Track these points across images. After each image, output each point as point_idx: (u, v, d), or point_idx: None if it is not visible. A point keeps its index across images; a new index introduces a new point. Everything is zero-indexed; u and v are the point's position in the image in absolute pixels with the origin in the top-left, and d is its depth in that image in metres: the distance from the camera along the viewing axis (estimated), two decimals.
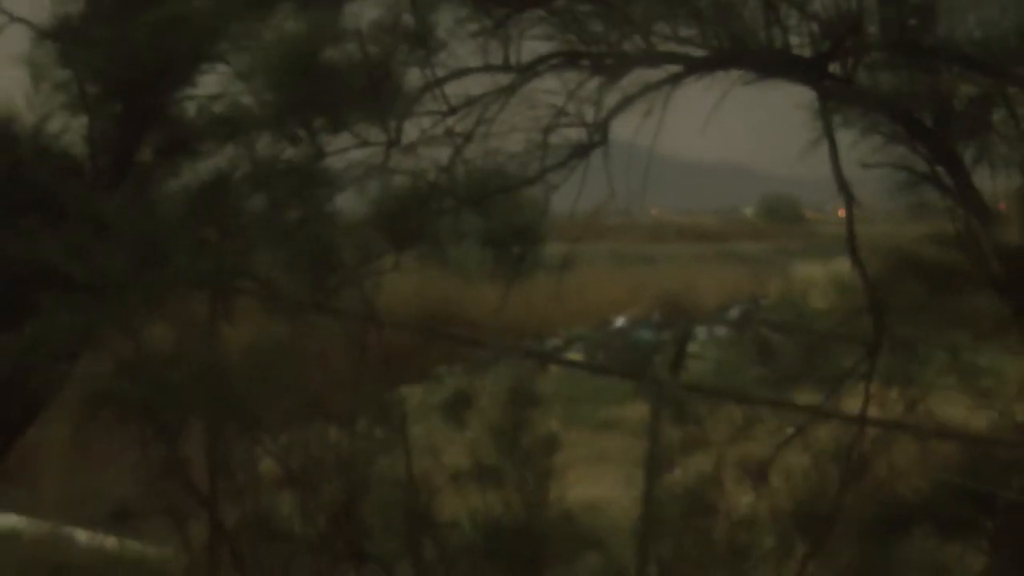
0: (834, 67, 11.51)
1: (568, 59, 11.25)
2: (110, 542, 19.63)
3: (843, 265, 12.80)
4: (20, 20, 15.86)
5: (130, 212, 13.42)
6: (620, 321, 20.96)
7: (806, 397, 14.07)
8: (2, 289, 15.34)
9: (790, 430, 14.09)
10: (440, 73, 11.25)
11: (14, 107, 15.81)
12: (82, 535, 20.49)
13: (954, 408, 13.19)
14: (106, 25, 15.39)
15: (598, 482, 15.71)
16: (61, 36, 15.83)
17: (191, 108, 15.68)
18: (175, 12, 13.76)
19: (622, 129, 11.55)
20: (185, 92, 15.64)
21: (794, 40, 11.38)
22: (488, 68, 11.18)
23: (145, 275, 13.10)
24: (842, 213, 12.82)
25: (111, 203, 13.98)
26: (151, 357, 14.91)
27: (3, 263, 15.03)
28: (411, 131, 11.45)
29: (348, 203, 12.32)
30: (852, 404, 13.54)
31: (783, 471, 14.03)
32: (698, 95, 11.70)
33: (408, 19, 11.17)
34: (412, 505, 14.92)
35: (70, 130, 16.11)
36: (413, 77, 11.32)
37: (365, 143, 11.39)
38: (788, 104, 11.88)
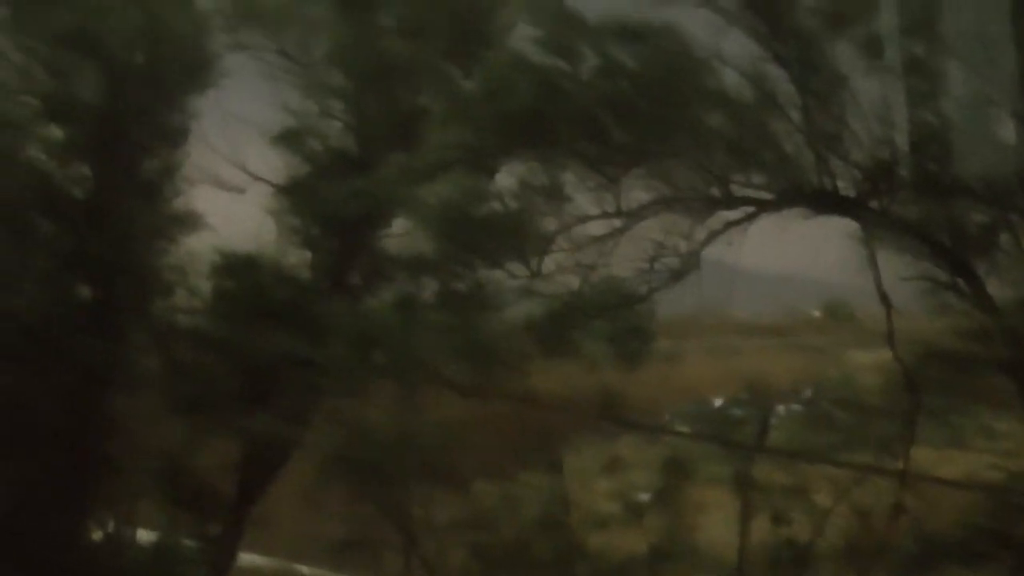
0: (872, 203, 11.55)
1: (665, 205, 11.38)
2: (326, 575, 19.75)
3: (886, 354, 12.78)
4: (262, 179, 16.35)
5: (345, 319, 13.66)
6: (717, 401, 20.81)
7: (861, 458, 14.08)
8: (251, 375, 15.74)
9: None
10: (568, 219, 11.47)
11: (260, 244, 16.31)
12: (306, 570, 20.60)
13: (978, 464, 13.11)
14: (324, 183, 15.80)
15: (704, 526, 15.73)
16: (291, 191, 16.26)
17: (389, 244, 16.05)
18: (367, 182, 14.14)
19: (711, 250, 11.71)
20: (383, 232, 16.02)
21: (840, 183, 11.46)
22: (604, 215, 11.40)
23: (360, 366, 13.35)
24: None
25: (329, 313, 14.26)
26: (372, 428, 15.21)
27: (250, 356, 15.44)
28: (548, 264, 11.64)
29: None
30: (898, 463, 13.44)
31: (844, 516, 13.96)
32: (770, 222, 11.81)
33: (542, 179, 11.42)
34: (570, 541, 15.00)
35: (299, 261, 16.59)
36: (547, 223, 11.55)
37: (513, 276, 11.59)
38: (840, 227, 11.93)
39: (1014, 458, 12.51)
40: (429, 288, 12.77)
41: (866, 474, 13.78)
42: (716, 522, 15.62)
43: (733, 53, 11.15)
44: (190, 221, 16.26)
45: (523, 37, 11.83)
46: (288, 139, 16.23)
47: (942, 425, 13.44)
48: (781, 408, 17.60)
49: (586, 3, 11.50)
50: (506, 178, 11.75)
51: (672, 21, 11.01)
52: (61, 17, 15.19)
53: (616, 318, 12.52)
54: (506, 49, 11.87)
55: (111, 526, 17.03)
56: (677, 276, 11.50)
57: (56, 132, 15.96)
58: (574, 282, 11.72)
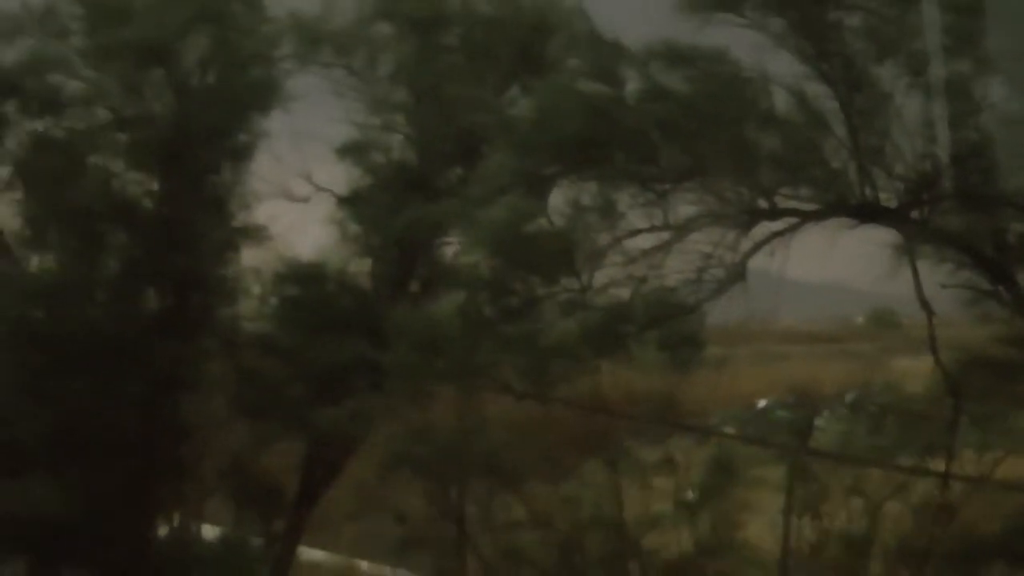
0: (914, 214, 11.53)
1: (712, 218, 11.38)
2: (388, 571, 19.86)
3: (930, 361, 12.75)
4: (325, 190, 16.46)
5: (406, 326, 13.75)
6: (762, 403, 20.71)
7: (906, 460, 14.06)
8: (314, 379, 15.84)
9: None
10: (619, 234, 11.51)
11: (323, 253, 16.44)
12: (365, 565, 20.71)
13: (1020, 466, 13.08)
14: (385, 195, 15.89)
15: (749, 524, 15.74)
16: (354, 202, 16.35)
17: (447, 253, 16.14)
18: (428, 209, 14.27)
19: (758, 261, 11.69)
20: (441, 242, 16.09)
21: (883, 195, 11.44)
22: (653, 228, 11.44)
23: (419, 369, 13.43)
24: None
25: (390, 320, 14.34)
26: (433, 428, 15.32)
27: (316, 362, 15.55)
28: (601, 277, 11.68)
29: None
30: (941, 465, 13.41)
31: (889, 516, 13.96)
32: (815, 233, 11.78)
33: (594, 198, 11.48)
34: (623, 540, 15.02)
35: (361, 269, 16.70)
36: (599, 238, 11.59)
37: (566, 290, 11.64)
38: (884, 238, 11.88)
39: None
40: (486, 299, 12.78)
41: (910, 476, 13.80)
42: (761, 520, 15.65)
43: (780, 73, 11.18)
44: (256, 233, 16.46)
45: (575, 62, 11.88)
46: (353, 152, 16.45)
47: (988, 430, 13.35)
48: (826, 412, 17.59)
49: (635, 26, 11.58)
50: (559, 197, 11.82)
51: (719, 44, 11.06)
52: (133, 34, 15.34)
53: (667, 327, 12.56)
54: (556, 77, 11.91)
55: (177, 522, 17.26)
56: (724, 286, 11.48)
57: (127, 144, 16.18)
58: (626, 294, 11.70)
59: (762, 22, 10.85)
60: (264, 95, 15.85)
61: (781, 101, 11.19)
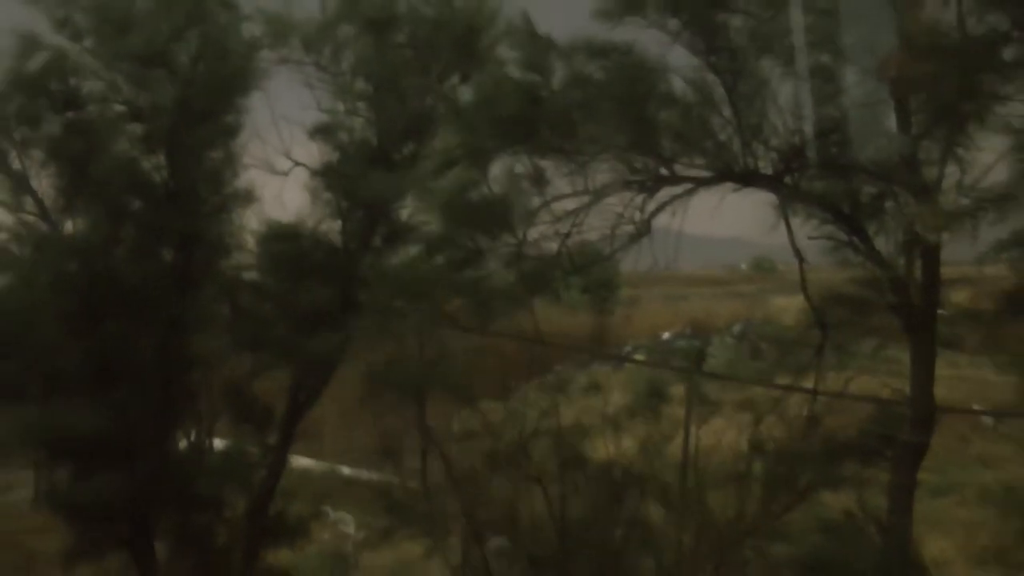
0: (786, 179, 11.54)
1: (623, 184, 11.37)
2: (364, 475, 19.95)
3: (800, 299, 12.80)
4: (300, 164, 16.42)
5: (383, 274, 13.73)
6: (667, 335, 20.84)
7: (781, 380, 14.13)
8: (299, 319, 15.84)
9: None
10: (547, 198, 11.49)
11: (301, 216, 16.48)
12: (346, 470, 20.78)
13: (873, 383, 13.17)
14: (350, 166, 15.86)
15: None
16: (325, 173, 16.31)
17: (405, 213, 16.16)
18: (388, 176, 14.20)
19: (664, 219, 11.67)
20: (399, 205, 16.10)
21: (761, 163, 11.44)
22: (575, 193, 11.42)
23: (392, 308, 13.42)
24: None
25: (362, 270, 14.29)
26: (404, 356, 15.32)
27: (299, 304, 15.57)
28: (533, 233, 11.66)
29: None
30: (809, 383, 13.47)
31: (767, 426, 14.00)
32: (708, 196, 11.75)
33: (527, 168, 11.43)
34: (562, 449, 15.02)
35: (332, 229, 16.68)
36: (531, 201, 11.55)
37: (505, 244, 11.60)
38: (763, 199, 11.87)
39: (899, 378, 12.53)
40: (437, 253, 12.75)
41: (785, 392, 13.88)
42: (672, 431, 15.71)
43: (678, 64, 11.16)
44: (247, 199, 16.41)
45: (508, 54, 11.81)
46: (323, 132, 16.47)
47: (846, 354, 13.40)
48: (716, 340, 17.72)
49: (556, 22, 11.49)
50: (498, 168, 11.79)
51: (629, 40, 11.01)
52: (139, 39, 15.23)
53: (588, 274, 12.57)
54: (494, 67, 11.83)
55: (194, 437, 17.29)
56: (633, 240, 11.48)
57: (138, 130, 16.02)
58: (554, 247, 11.70)
59: (661, 22, 10.81)
60: (245, 82, 15.80)
61: (678, 87, 11.19)
